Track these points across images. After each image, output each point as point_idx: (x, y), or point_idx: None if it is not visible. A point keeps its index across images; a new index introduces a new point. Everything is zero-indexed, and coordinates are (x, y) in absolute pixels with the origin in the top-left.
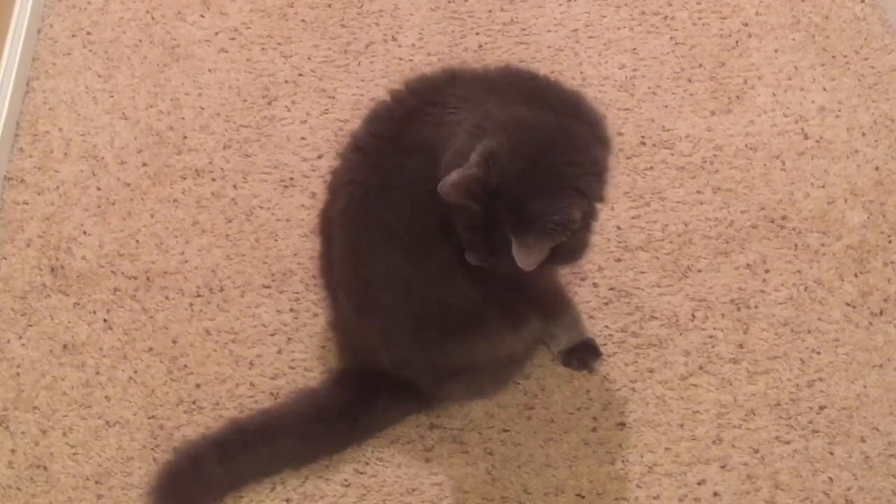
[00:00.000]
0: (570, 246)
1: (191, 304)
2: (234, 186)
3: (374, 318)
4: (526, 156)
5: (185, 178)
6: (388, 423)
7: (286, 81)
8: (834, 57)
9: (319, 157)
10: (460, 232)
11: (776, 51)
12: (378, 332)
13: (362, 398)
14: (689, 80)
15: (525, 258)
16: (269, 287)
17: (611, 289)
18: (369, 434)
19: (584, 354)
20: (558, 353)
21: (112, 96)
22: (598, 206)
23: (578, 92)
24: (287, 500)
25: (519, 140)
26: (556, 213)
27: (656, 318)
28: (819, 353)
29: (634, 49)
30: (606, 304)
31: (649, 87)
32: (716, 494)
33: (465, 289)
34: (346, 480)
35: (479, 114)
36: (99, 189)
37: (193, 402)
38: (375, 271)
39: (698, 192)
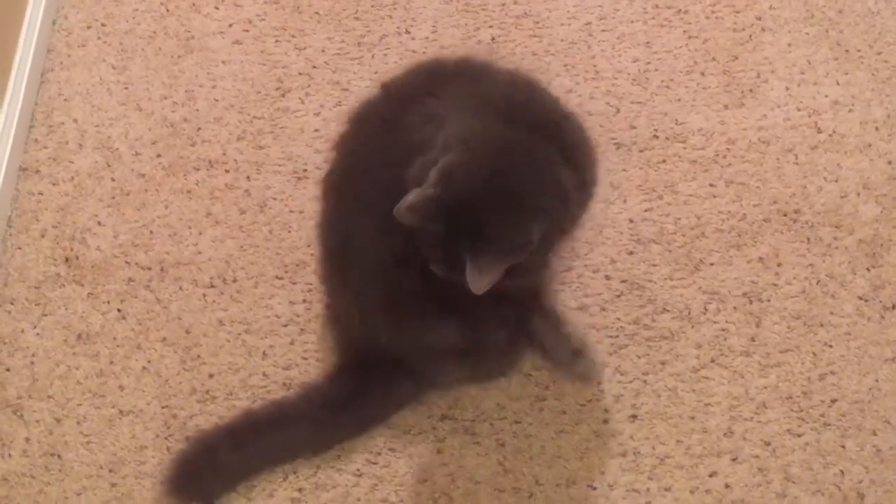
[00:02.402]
0: (526, 266)
1: (204, 295)
2: (248, 178)
3: (351, 294)
4: (484, 174)
5: (198, 170)
6: (390, 410)
7: (300, 73)
8: (847, 51)
9: (333, 149)
10: (420, 247)
11: (790, 45)
12: (356, 310)
13: (361, 386)
14: (703, 74)
15: (477, 280)
16: (282, 278)
17: (623, 281)
18: (376, 420)
19: (587, 358)
20: (564, 365)
21: (126, 88)
22: (564, 228)
23: (569, 114)
24: (300, 490)
25: (478, 157)
26: (511, 235)
27: (668, 310)
28: (831, 346)
29: (648, 42)
30: (619, 296)
31: (662, 81)
32: (727, 486)
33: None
34: (358, 470)
35: (451, 126)
36: (113, 180)
37: (206, 392)
38: (353, 246)
39: (711, 185)
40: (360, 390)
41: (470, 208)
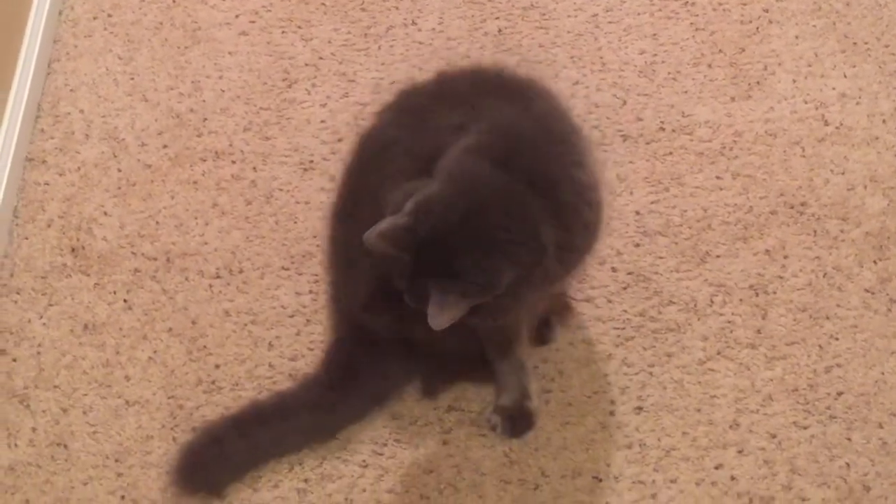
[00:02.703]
0: (492, 309)
1: (210, 286)
2: (254, 169)
3: (357, 276)
4: (460, 211)
5: (205, 160)
6: (387, 389)
7: (306, 65)
8: (855, 44)
9: (339, 140)
10: (392, 274)
11: (797, 37)
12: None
13: (356, 361)
14: (709, 66)
15: (437, 315)
16: (288, 269)
17: (629, 273)
18: (374, 401)
19: (518, 420)
20: (495, 405)
21: (133, 78)
22: (537, 283)
23: (575, 175)
24: (305, 481)
25: (458, 194)
26: (477, 275)
27: (675, 302)
28: (837, 339)
29: (654, 34)
30: (625, 288)
31: (669, 73)
32: (733, 479)
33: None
34: (364, 461)
35: (450, 153)
36: (119, 170)
37: (213, 383)
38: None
39: (717, 177)
40: (354, 365)
41: (440, 243)
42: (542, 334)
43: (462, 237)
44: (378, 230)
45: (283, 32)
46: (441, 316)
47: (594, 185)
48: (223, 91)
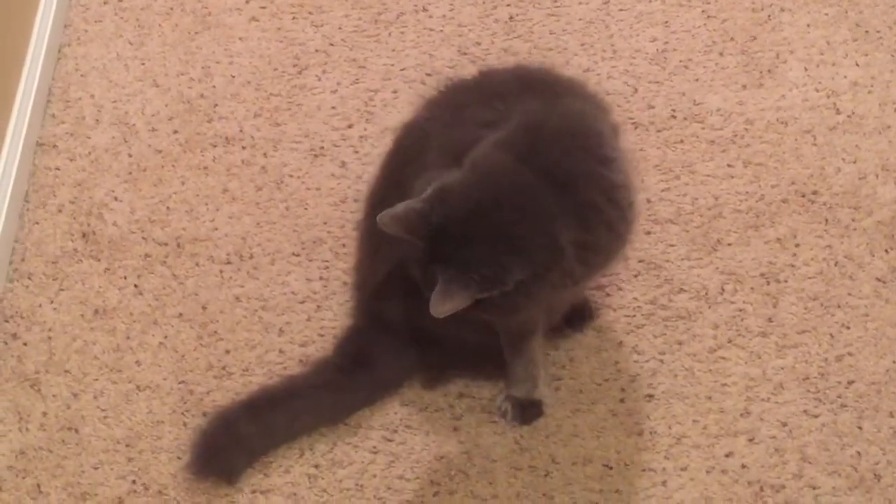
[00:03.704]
0: (501, 305)
1: (221, 271)
2: (265, 155)
3: (382, 264)
4: (477, 202)
5: (215, 146)
6: (399, 375)
7: (317, 51)
8: (867, 32)
9: (349, 126)
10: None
11: (809, 25)
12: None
13: (370, 347)
14: (721, 54)
15: (438, 302)
16: (298, 255)
17: (640, 261)
18: (387, 386)
19: (527, 408)
20: (505, 394)
21: (143, 64)
22: (555, 283)
23: (599, 171)
24: (316, 466)
25: (478, 185)
26: (485, 268)
27: (685, 290)
28: (848, 327)
29: (666, 22)
30: (636, 276)
31: (681, 61)
32: (743, 467)
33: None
34: (374, 447)
35: (479, 147)
36: (130, 156)
37: (223, 368)
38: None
39: (729, 165)
40: (368, 351)
41: (453, 232)
42: (569, 325)
43: (474, 228)
44: (392, 212)
45: (293, 18)
46: (443, 304)
47: (623, 184)
48: (233, 77)
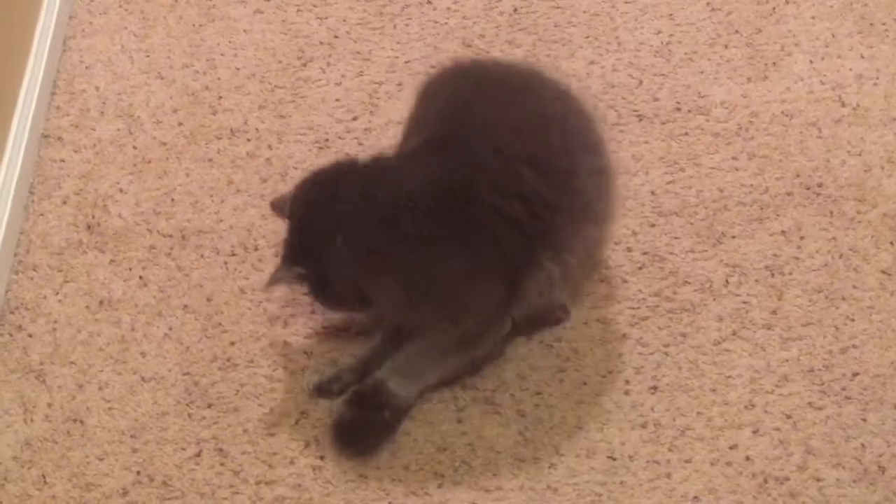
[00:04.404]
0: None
1: (226, 263)
2: (269, 147)
3: None
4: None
5: (220, 138)
6: None
7: (321, 43)
8: (872, 24)
9: (354, 118)
10: None
11: (813, 18)
12: None
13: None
14: (726, 47)
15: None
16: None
17: (644, 253)
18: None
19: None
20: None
21: (148, 56)
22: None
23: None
24: (321, 458)
25: (303, 196)
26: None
27: (690, 283)
28: (853, 320)
29: (671, 14)
30: (640, 268)
31: (685, 53)
32: (748, 459)
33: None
34: None
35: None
36: (135, 147)
37: (228, 360)
38: None
39: (734, 158)
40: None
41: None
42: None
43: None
44: (274, 199)
45: (298, 11)
46: (270, 281)
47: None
48: (238, 69)
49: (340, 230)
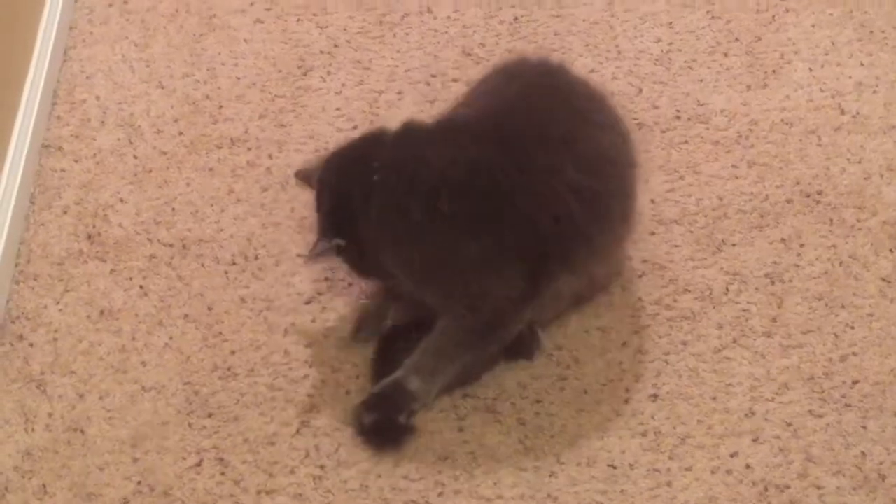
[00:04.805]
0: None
1: (226, 272)
2: (270, 156)
3: None
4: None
5: (220, 147)
6: None
7: (321, 52)
8: (872, 32)
9: (354, 127)
10: None
11: (813, 26)
12: None
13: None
14: (726, 55)
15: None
16: (303, 256)
17: (644, 261)
18: None
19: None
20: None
21: (148, 65)
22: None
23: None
24: (321, 467)
25: (336, 168)
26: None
27: (690, 291)
28: (853, 327)
29: (670, 23)
30: (640, 276)
31: (685, 61)
32: (748, 467)
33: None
34: None
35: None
36: (135, 157)
37: (228, 369)
38: None
39: (733, 166)
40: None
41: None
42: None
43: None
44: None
45: (298, 20)
46: (311, 251)
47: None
48: (239, 78)
49: (374, 201)
